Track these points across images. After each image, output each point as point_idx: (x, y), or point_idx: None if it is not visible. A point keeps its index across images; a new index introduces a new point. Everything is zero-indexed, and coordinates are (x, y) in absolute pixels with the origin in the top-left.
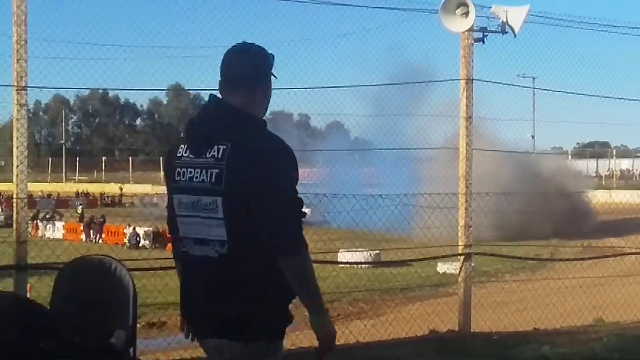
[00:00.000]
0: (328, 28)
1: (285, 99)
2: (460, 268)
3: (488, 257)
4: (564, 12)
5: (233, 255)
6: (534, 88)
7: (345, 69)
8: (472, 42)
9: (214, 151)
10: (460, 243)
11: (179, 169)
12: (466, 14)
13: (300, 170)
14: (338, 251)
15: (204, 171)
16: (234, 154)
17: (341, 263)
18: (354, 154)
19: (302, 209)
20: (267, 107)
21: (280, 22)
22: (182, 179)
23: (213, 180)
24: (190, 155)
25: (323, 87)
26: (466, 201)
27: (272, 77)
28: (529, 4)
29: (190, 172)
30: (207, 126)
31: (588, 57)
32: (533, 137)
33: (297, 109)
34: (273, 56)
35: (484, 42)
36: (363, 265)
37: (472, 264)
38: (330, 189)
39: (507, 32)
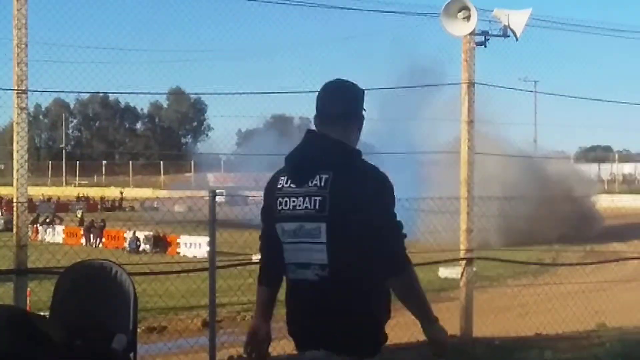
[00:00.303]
0: (330, 31)
1: (287, 103)
2: (462, 273)
3: (490, 261)
4: (567, 16)
5: (333, 278)
6: (536, 92)
7: (347, 73)
8: (474, 45)
9: (317, 180)
10: (462, 247)
11: (280, 199)
12: (468, 17)
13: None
14: None
15: (307, 199)
16: (336, 181)
17: None
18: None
19: (403, 231)
20: (359, 138)
21: (281, 26)
22: (285, 208)
23: (317, 207)
24: (291, 185)
25: None
26: (468, 205)
27: (364, 111)
28: (530, 7)
29: (293, 201)
30: (308, 157)
31: (591, 61)
32: (535, 140)
33: (298, 112)
34: (363, 91)
35: (485, 46)
36: None
37: (474, 269)
38: None
39: (509, 36)
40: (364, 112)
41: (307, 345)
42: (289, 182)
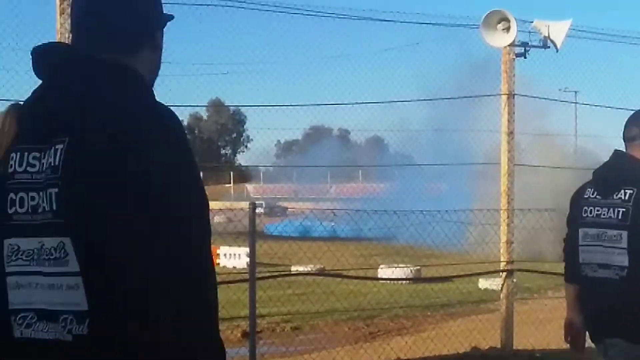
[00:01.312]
0: (369, 43)
1: (326, 114)
2: (502, 284)
3: (530, 273)
4: (608, 27)
5: (631, 278)
6: (576, 103)
7: (387, 84)
8: (514, 57)
9: (621, 194)
10: (502, 259)
11: (585, 207)
12: (507, 28)
13: (350, 185)
14: (378, 267)
15: (610, 209)
16: (638, 197)
17: (381, 279)
18: (393, 169)
19: None
20: None
21: (320, 38)
22: (589, 215)
23: (620, 217)
24: (597, 196)
25: (363, 103)
26: (508, 217)
27: None
28: (571, 18)
29: (598, 210)
30: (614, 173)
31: (632, 71)
32: (575, 151)
33: (337, 123)
34: None
35: (525, 57)
36: (403, 281)
37: (514, 280)
38: (393, 204)
39: (549, 47)
40: None
41: (604, 333)
42: (594, 193)
